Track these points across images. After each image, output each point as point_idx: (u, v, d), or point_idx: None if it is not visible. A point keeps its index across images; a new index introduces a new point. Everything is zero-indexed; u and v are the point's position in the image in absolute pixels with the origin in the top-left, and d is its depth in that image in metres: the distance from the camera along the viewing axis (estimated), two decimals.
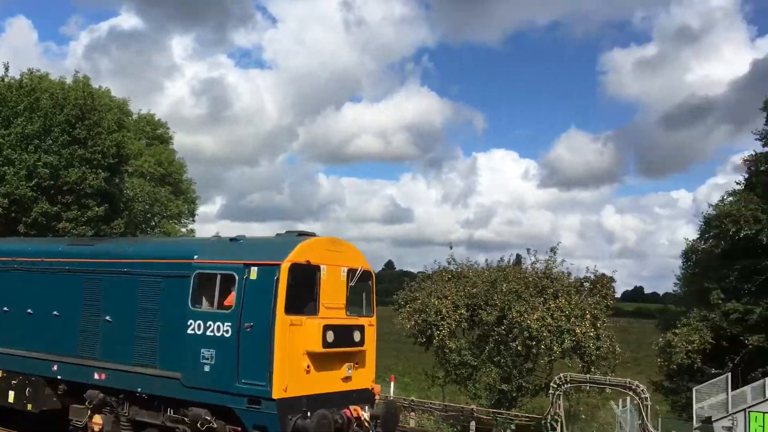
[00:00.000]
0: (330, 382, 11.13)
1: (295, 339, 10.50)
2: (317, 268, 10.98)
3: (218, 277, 11.06)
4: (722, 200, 30.40)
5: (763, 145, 29.44)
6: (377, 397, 12.12)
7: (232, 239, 12.04)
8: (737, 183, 31.50)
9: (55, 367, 13.07)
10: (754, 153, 30.51)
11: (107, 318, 12.49)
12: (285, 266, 10.48)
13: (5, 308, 14.17)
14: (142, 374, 11.77)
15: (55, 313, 13.31)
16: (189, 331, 11.13)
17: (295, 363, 10.49)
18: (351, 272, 11.57)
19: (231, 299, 10.90)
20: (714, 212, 30.20)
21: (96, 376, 12.43)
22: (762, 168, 29.44)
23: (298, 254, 10.78)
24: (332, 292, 11.25)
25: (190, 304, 11.25)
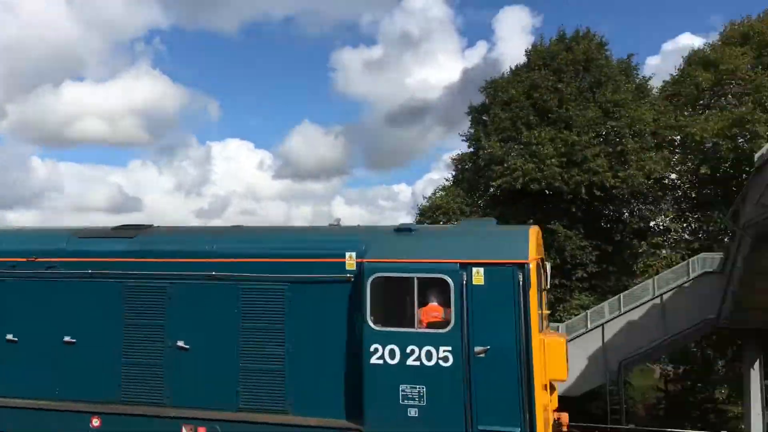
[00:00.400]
0: (549, 417, 8.52)
1: (542, 364, 7.90)
2: (538, 266, 8.47)
3: (415, 282, 8.07)
4: (434, 194, 33.59)
5: (468, 146, 32.94)
6: (565, 429, 9.59)
7: (398, 229, 8.81)
8: (446, 179, 34.97)
9: (97, 422, 9.00)
10: (460, 153, 34.15)
11: (180, 344, 8.86)
12: (533, 266, 7.89)
13: None
14: (283, 425, 8.31)
15: (67, 339, 9.30)
16: (374, 360, 7.99)
17: (541, 397, 7.88)
18: (539, 270, 8.78)
19: (434, 312, 8.10)
20: (427, 204, 33.25)
21: None
22: (467, 166, 32.96)
23: (534, 248, 8.17)
24: (537, 297, 8.42)
25: (370, 321, 8.07)
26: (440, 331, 7.94)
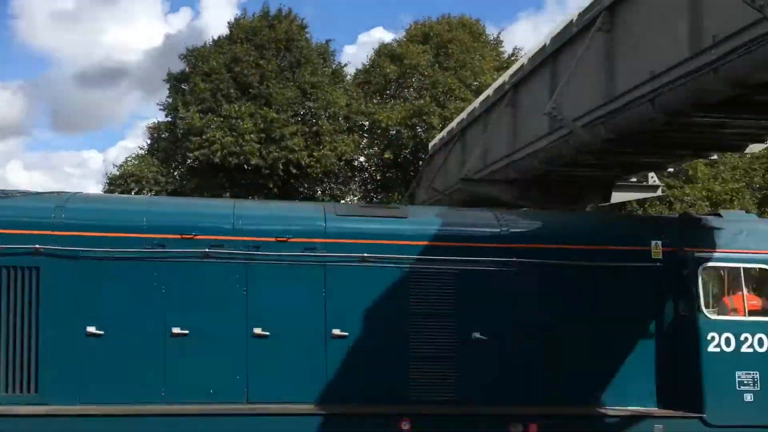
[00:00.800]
0: None
1: None
2: None
3: (741, 271, 8.75)
4: (126, 162, 31.81)
5: (166, 115, 31.75)
6: None
7: (684, 220, 9.62)
8: (140, 148, 33.33)
9: (407, 425, 7.96)
10: (157, 121, 32.76)
11: (475, 335, 8.40)
12: None
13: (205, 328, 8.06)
14: (613, 416, 8.34)
15: (336, 332, 8.19)
16: (711, 349, 8.48)
17: None
18: None
19: (752, 300, 8.84)
20: (118, 173, 31.38)
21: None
22: (163, 135, 31.77)
23: None
24: None
25: (705, 310, 8.61)
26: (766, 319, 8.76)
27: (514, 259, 8.63)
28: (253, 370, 8.08)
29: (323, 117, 29.70)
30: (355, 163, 33.24)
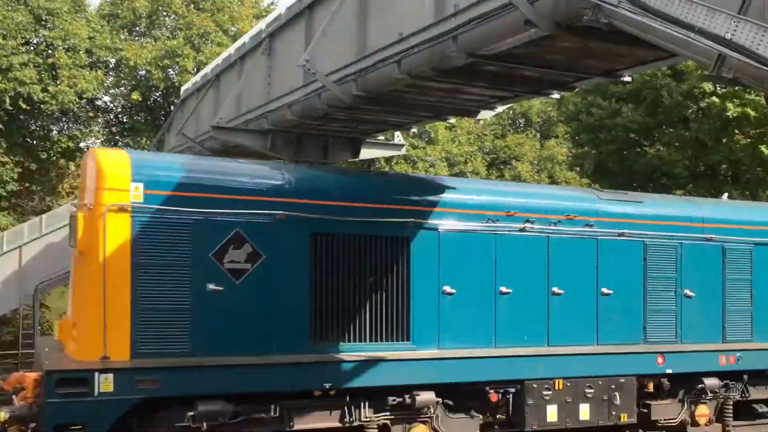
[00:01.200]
0: None
1: None
2: None
3: None
4: None
5: None
6: None
7: None
8: None
9: (661, 360, 11.38)
10: None
11: (687, 292, 11.71)
12: None
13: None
14: None
15: (604, 290, 11.05)
16: None
17: None
18: None
19: None
20: None
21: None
22: None
23: None
24: None
25: None
26: None
27: (712, 236, 11.97)
28: (552, 320, 10.68)
29: (61, 48, 26.79)
30: (99, 103, 30.68)
